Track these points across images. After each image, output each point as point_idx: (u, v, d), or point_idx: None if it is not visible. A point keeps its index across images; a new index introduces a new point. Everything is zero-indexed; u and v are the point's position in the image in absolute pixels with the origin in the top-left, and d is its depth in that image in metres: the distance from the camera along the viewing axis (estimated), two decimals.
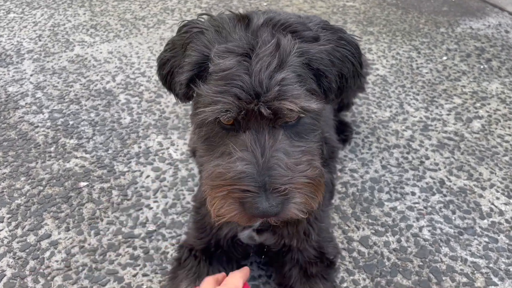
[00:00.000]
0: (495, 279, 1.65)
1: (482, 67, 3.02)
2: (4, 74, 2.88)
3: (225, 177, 1.02)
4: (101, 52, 3.14)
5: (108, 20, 3.61)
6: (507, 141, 2.34)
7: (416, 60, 3.09)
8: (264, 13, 1.12)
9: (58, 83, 2.79)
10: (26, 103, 2.61)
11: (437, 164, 2.19)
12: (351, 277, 1.65)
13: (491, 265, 1.70)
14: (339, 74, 1.13)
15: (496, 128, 2.43)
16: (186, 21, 1.18)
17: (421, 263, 1.70)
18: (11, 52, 3.14)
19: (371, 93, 2.72)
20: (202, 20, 1.15)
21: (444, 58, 3.13)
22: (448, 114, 2.54)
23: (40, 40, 3.29)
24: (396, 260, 1.71)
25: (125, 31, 3.44)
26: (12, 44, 3.24)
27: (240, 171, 1.00)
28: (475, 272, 1.68)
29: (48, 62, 3.03)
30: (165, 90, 2.61)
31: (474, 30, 3.53)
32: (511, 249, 1.77)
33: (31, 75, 2.87)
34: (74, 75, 2.88)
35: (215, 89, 1.00)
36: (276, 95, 0.97)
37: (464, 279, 1.65)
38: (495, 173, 2.14)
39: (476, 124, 2.46)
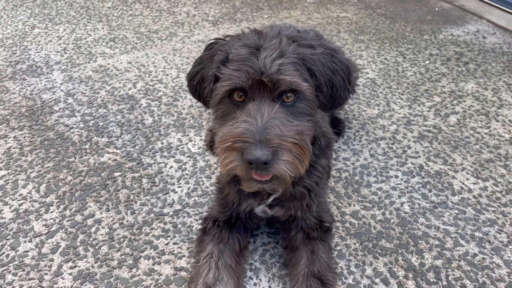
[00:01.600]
0: (462, 241, 2.02)
1: (460, 69, 3.41)
2: (37, 84, 3.26)
3: (231, 133, 1.34)
4: (121, 63, 3.53)
5: (125, 34, 4.01)
6: (478, 133, 2.72)
7: (402, 64, 3.48)
8: (275, 27, 1.52)
9: (86, 90, 3.17)
10: (59, 108, 2.98)
11: (417, 152, 2.56)
12: (344, 242, 2.02)
13: (459, 231, 2.07)
14: (330, 82, 1.49)
15: (469, 122, 2.81)
16: (212, 40, 1.56)
17: (401, 231, 2.07)
18: (41, 64, 3.52)
19: (362, 93, 3.10)
20: (226, 38, 1.53)
21: (427, 62, 3.51)
22: (428, 111, 2.92)
23: (65, 53, 3.68)
24: (381, 229, 2.08)
25: (141, 43, 3.83)
26: (41, 57, 3.63)
27: (243, 128, 1.32)
28: (446, 236, 2.04)
29: (75, 72, 3.41)
30: (181, 95, 3.00)
31: (454, 36, 3.92)
32: (477, 218, 2.14)
33: (61, 84, 3.25)
34: (99, 83, 3.26)
35: (233, 68, 1.38)
36: (275, 71, 1.33)
37: (437, 242, 2.01)
38: (467, 159, 2.51)
39: (453, 119, 2.84)
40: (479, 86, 3.19)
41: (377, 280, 1.84)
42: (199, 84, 1.56)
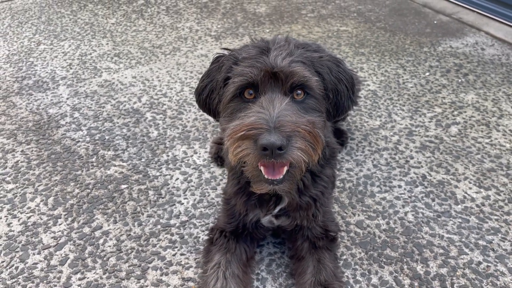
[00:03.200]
0: (466, 250, 2.04)
1: (460, 80, 3.46)
2: (44, 98, 3.31)
3: (243, 123, 1.31)
4: (126, 77, 3.58)
5: (129, 49, 4.07)
6: (479, 142, 2.75)
7: (402, 76, 3.53)
8: (283, 37, 1.57)
9: (91, 104, 3.22)
10: (66, 122, 3.03)
11: (420, 163, 2.59)
12: (349, 251, 2.04)
13: (463, 239, 2.09)
14: (335, 90, 1.53)
15: (470, 132, 2.85)
16: (218, 53, 1.61)
17: (406, 240, 2.09)
18: (47, 79, 3.58)
19: (363, 105, 3.15)
20: (233, 50, 1.58)
21: (427, 73, 3.57)
22: (430, 121, 2.96)
23: (71, 68, 3.74)
24: (386, 238, 2.10)
25: (145, 58, 3.89)
26: (47, 72, 3.69)
27: (256, 117, 1.31)
28: (450, 245, 2.06)
29: (80, 87, 3.46)
30: (185, 108, 3.05)
31: (453, 48, 3.98)
32: (480, 227, 2.16)
33: (67, 99, 3.30)
34: (104, 98, 3.31)
35: (244, 65, 1.42)
36: (286, 65, 1.37)
37: (441, 251, 2.03)
38: (469, 168, 2.54)
39: (454, 129, 2.88)
40: (479, 97, 3.23)
41: None
42: (208, 96, 1.59)
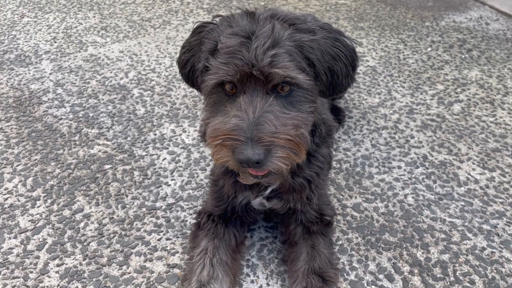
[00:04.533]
0: (469, 235, 1.92)
1: (463, 56, 3.30)
2: (25, 74, 3.14)
3: (222, 129, 1.24)
4: (113, 52, 3.40)
5: (116, 22, 3.88)
6: (483, 121, 2.61)
7: (403, 52, 3.37)
8: (269, 10, 1.38)
9: (76, 80, 3.05)
10: (48, 99, 2.86)
11: (420, 142, 2.46)
12: (346, 236, 1.92)
13: (466, 223, 1.98)
14: (331, 70, 1.36)
15: (474, 110, 2.71)
16: (199, 22, 1.43)
17: (405, 224, 1.97)
18: (30, 54, 3.39)
19: (362, 82, 2.99)
20: (215, 20, 1.40)
21: (429, 49, 3.40)
22: (431, 99, 2.82)
23: (55, 42, 3.55)
24: (384, 222, 1.98)
25: (134, 31, 3.70)
26: (30, 46, 3.50)
27: (233, 124, 1.22)
28: (452, 229, 1.95)
29: (64, 61, 3.29)
30: (174, 84, 2.89)
31: (457, 23, 3.81)
32: (484, 210, 2.04)
33: (50, 74, 3.13)
34: (89, 73, 3.14)
35: (221, 61, 1.25)
36: (267, 63, 1.20)
37: (443, 236, 1.92)
38: (472, 149, 2.41)
39: (457, 107, 2.74)
40: (483, 74, 3.08)
41: (380, 276, 1.74)
42: (191, 71, 1.44)
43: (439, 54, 3.33)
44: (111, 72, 3.14)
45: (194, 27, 1.43)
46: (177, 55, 1.53)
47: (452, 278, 1.73)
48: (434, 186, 2.17)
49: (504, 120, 2.62)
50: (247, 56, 1.20)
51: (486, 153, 2.38)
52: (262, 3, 4.23)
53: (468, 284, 1.71)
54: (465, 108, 2.73)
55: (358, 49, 3.40)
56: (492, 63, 3.22)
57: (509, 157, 2.35)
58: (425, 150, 2.40)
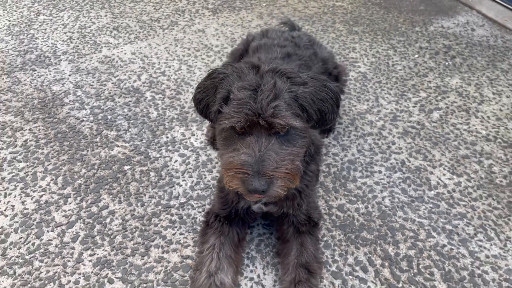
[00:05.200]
0: (434, 233, 2.30)
1: (447, 63, 3.61)
2: (47, 75, 3.45)
3: (234, 164, 1.61)
4: (125, 53, 3.70)
5: (127, 22, 4.15)
6: (458, 129, 2.95)
7: (392, 58, 3.67)
8: (270, 63, 1.71)
9: (93, 82, 3.37)
10: (69, 101, 3.19)
11: (400, 148, 2.80)
12: (330, 233, 2.29)
13: (432, 223, 2.35)
14: (320, 110, 1.71)
15: (451, 118, 3.04)
16: (213, 69, 1.76)
17: (381, 223, 2.34)
18: (49, 54, 3.69)
19: (353, 88, 3.31)
20: (226, 70, 1.72)
21: (416, 56, 3.71)
22: (414, 106, 3.15)
23: (71, 42, 3.84)
24: (363, 221, 2.35)
25: (144, 32, 3.99)
26: (48, 46, 3.79)
27: (243, 160, 1.59)
28: (420, 229, 2.32)
29: (81, 63, 3.59)
30: (183, 88, 3.21)
31: (444, 28, 4.09)
32: (449, 212, 2.41)
33: (69, 75, 3.44)
34: (105, 75, 3.45)
35: (233, 109, 1.60)
36: (270, 114, 1.56)
37: (411, 234, 2.29)
38: (445, 155, 2.76)
39: (435, 115, 3.07)
40: (463, 81, 3.40)
41: (357, 268, 2.12)
42: (205, 107, 1.77)
43: (425, 61, 3.63)
44: (125, 75, 3.45)
45: (209, 71, 1.76)
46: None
47: (415, 270, 2.11)
48: (408, 190, 2.53)
49: (476, 128, 2.96)
50: (254, 107, 1.55)
51: (457, 160, 2.73)
52: (264, 4, 4.49)
53: (428, 276, 2.09)
54: (443, 116, 3.06)
55: (351, 54, 3.70)
56: (473, 70, 3.53)
57: (476, 163, 2.70)
58: (403, 156, 2.75)
